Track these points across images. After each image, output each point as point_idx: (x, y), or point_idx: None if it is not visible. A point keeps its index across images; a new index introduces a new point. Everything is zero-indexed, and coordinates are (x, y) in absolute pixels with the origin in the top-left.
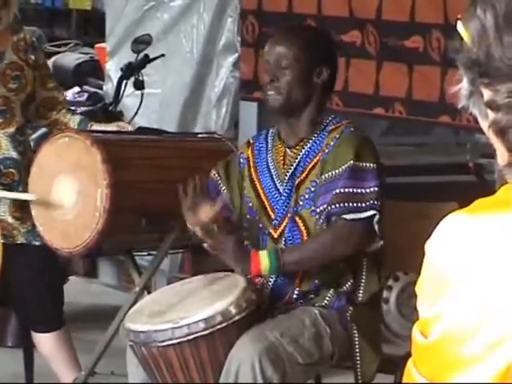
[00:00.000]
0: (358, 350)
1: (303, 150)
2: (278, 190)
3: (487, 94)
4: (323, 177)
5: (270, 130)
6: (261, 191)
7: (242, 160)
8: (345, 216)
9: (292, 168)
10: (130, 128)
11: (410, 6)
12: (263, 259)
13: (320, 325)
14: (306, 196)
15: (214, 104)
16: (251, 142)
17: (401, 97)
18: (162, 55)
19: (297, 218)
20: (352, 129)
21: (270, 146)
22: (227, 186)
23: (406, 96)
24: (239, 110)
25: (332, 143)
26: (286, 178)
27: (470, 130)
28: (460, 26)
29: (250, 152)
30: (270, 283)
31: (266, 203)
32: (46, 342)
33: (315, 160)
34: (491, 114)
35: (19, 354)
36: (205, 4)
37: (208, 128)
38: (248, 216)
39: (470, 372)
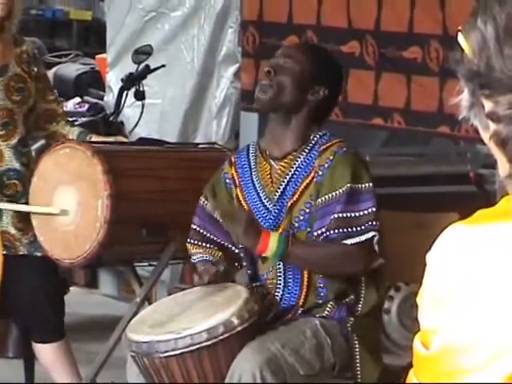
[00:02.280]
0: (358, 361)
1: (292, 169)
2: (266, 208)
3: (488, 105)
4: (319, 200)
5: (250, 146)
6: (248, 210)
7: (227, 180)
8: (345, 241)
9: (281, 187)
10: (127, 141)
11: (408, 16)
12: (272, 240)
13: (321, 336)
14: (301, 218)
15: (214, 114)
16: (233, 160)
17: (399, 107)
18: (163, 66)
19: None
20: (345, 149)
21: (252, 162)
22: (218, 210)
23: (404, 106)
24: (240, 120)
25: (326, 165)
26: (276, 196)
27: (468, 140)
28: (460, 38)
29: (233, 171)
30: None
31: None
32: (46, 353)
33: (307, 180)
34: (492, 126)
35: (20, 365)
36: (205, 15)
37: (209, 138)
38: None
39: (473, 380)
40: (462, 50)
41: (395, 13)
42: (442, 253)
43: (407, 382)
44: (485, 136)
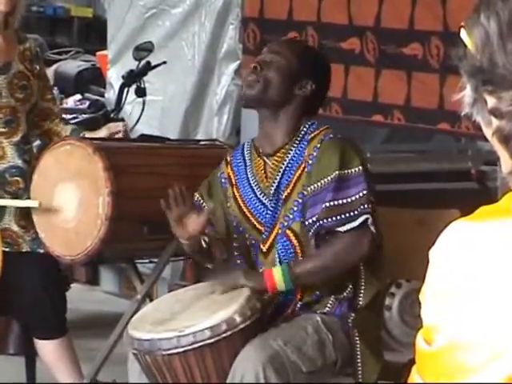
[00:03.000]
0: (359, 357)
1: (285, 162)
2: (263, 203)
3: (491, 101)
4: (309, 189)
5: (246, 144)
6: (244, 207)
7: (223, 180)
8: (339, 229)
9: (276, 181)
10: (121, 127)
11: (409, 13)
12: (276, 273)
13: (322, 332)
14: (295, 209)
15: (215, 111)
16: (229, 159)
17: (399, 104)
18: (164, 62)
19: (288, 232)
20: (331, 135)
21: (247, 159)
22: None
23: (404, 103)
24: (241, 117)
25: (314, 154)
26: (272, 191)
27: (469, 137)
28: (463, 34)
29: (229, 170)
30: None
31: (252, 219)
32: (48, 350)
33: (299, 171)
34: (495, 122)
35: (21, 362)
36: (206, 11)
37: (210, 135)
38: (235, 235)
39: (474, 380)
40: (465, 46)
41: (396, 9)
42: (445, 249)
43: (409, 379)
44: (487, 132)
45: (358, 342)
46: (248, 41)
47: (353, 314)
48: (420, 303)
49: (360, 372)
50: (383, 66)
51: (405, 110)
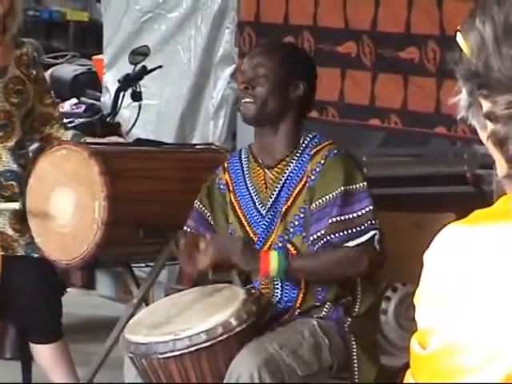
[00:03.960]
0: (355, 361)
1: (285, 174)
2: (260, 213)
3: (486, 105)
4: (314, 205)
5: (243, 150)
6: (241, 215)
7: (221, 186)
8: (347, 244)
9: (275, 193)
10: (122, 141)
11: (405, 17)
12: (273, 259)
13: (318, 336)
14: (296, 223)
15: (211, 115)
16: (226, 165)
17: (396, 108)
18: (160, 66)
19: (289, 246)
20: (336, 151)
21: (245, 167)
22: (212, 214)
23: (401, 107)
24: (237, 121)
25: (318, 169)
26: (269, 202)
27: (465, 140)
28: (459, 38)
29: (227, 176)
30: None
31: (247, 227)
32: (44, 354)
33: (300, 185)
34: (490, 125)
35: (17, 366)
36: (202, 15)
37: (206, 139)
38: None
39: (472, 380)
40: (461, 50)
41: (392, 13)
42: (439, 252)
43: (404, 382)
44: (483, 136)
45: (354, 346)
46: (244, 45)
47: (349, 319)
48: (415, 307)
49: (356, 376)
50: (380, 69)
51: (401, 114)
